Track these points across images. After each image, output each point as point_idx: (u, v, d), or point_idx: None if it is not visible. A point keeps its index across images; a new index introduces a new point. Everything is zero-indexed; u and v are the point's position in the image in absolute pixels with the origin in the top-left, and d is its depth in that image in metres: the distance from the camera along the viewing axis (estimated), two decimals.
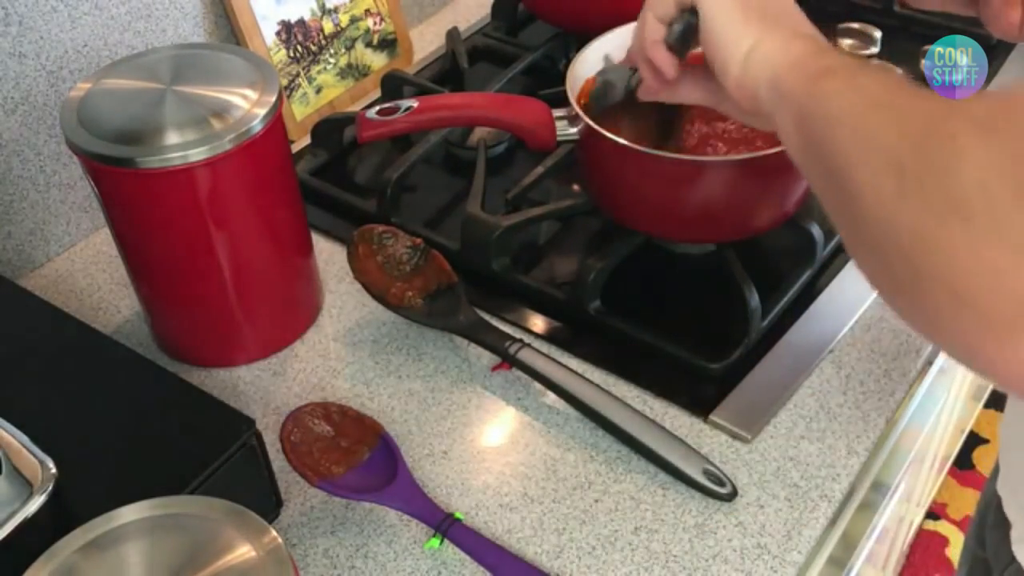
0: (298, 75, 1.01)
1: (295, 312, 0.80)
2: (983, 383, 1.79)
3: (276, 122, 0.70)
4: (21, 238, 0.85)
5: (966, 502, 1.83)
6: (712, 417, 0.71)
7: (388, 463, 0.66)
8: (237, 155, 0.67)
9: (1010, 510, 0.73)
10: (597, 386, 0.71)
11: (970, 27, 1.06)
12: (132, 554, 0.47)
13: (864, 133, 0.43)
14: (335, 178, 0.95)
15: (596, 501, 0.67)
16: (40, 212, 0.86)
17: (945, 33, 1.01)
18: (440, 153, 0.97)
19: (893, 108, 0.43)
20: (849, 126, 0.44)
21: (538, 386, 0.74)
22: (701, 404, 0.72)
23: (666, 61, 0.65)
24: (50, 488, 0.53)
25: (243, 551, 0.47)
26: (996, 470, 0.77)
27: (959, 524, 1.80)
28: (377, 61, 1.09)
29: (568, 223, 0.88)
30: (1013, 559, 0.72)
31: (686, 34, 0.64)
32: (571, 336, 0.78)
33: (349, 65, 1.06)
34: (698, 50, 0.64)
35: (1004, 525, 0.73)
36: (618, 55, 0.85)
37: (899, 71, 1.00)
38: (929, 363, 0.78)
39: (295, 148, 0.97)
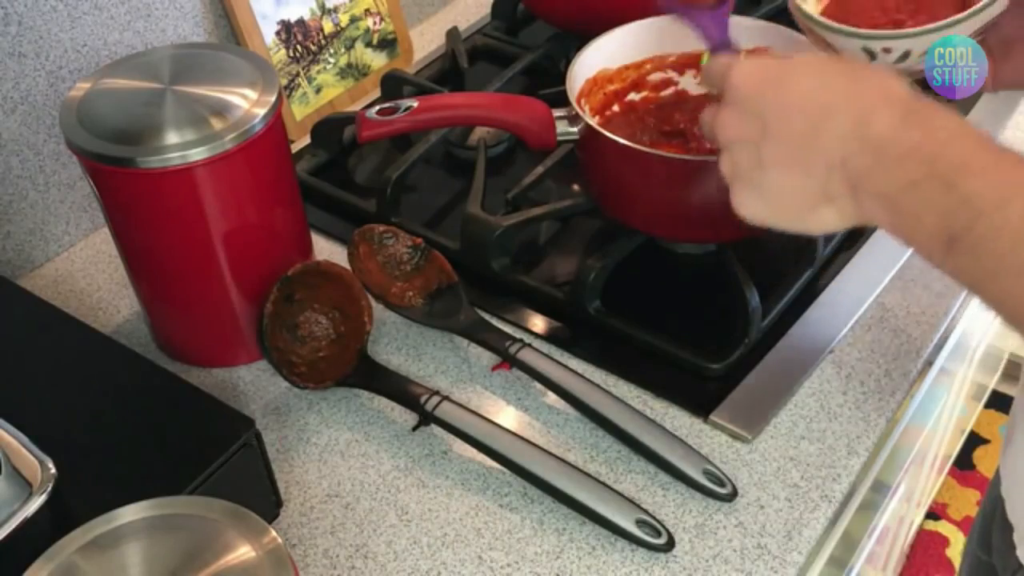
0: (298, 75, 1.01)
1: None
2: (984, 383, 1.79)
3: (276, 122, 0.70)
4: (21, 238, 0.85)
5: (967, 502, 1.83)
6: (712, 417, 0.71)
7: None
8: (237, 155, 0.67)
9: (1013, 514, 0.73)
10: (597, 386, 0.71)
11: None
12: (132, 554, 0.47)
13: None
14: (335, 178, 0.95)
15: None
16: (40, 212, 0.86)
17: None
18: (440, 153, 0.97)
19: None
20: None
21: (538, 386, 0.74)
22: (701, 404, 0.72)
23: None
24: (50, 488, 0.53)
25: (243, 551, 0.47)
26: (998, 473, 0.77)
27: (959, 524, 1.80)
28: (377, 61, 1.09)
29: (568, 223, 0.88)
30: (1020, 565, 0.72)
31: None
32: (571, 336, 0.78)
33: (349, 65, 1.06)
34: None
35: (1008, 528, 0.73)
36: (618, 55, 0.85)
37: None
38: (929, 363, 0.78)
39: (295, 148, 0.97)
